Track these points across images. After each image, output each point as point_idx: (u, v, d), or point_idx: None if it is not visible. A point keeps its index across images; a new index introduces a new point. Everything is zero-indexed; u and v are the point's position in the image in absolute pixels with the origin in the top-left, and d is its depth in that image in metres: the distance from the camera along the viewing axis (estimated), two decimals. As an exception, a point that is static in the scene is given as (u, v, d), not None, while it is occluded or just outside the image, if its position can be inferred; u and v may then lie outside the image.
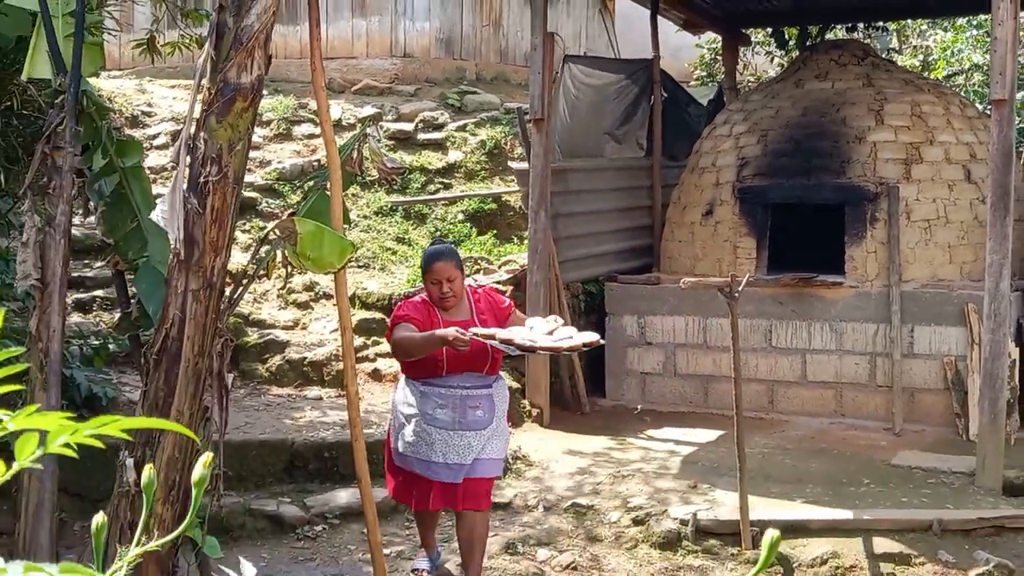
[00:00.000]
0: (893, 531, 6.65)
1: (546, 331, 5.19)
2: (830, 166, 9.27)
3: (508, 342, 5.07)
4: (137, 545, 1.36)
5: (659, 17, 11.22)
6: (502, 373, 6.11)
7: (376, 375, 9.18)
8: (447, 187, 11.83)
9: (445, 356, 5.43)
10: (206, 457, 1.41)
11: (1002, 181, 7.30)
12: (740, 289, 6.76)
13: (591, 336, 5.27)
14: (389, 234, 11.03)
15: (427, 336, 5.25)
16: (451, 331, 5.08)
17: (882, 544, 6.56)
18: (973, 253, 8.44)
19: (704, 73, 16.83)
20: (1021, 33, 8.00)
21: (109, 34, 6.21)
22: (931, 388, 8.58)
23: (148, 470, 1.44)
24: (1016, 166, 8.11)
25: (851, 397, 8.86)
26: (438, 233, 11.00)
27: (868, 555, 6.50)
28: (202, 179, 4.20)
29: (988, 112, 8.37)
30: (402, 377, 5.85)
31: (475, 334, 5.08)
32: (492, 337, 5.09)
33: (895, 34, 16.91)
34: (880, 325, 8.69)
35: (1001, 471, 7.28)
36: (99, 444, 1.19)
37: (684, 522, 6.71)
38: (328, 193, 4.78)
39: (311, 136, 12.19)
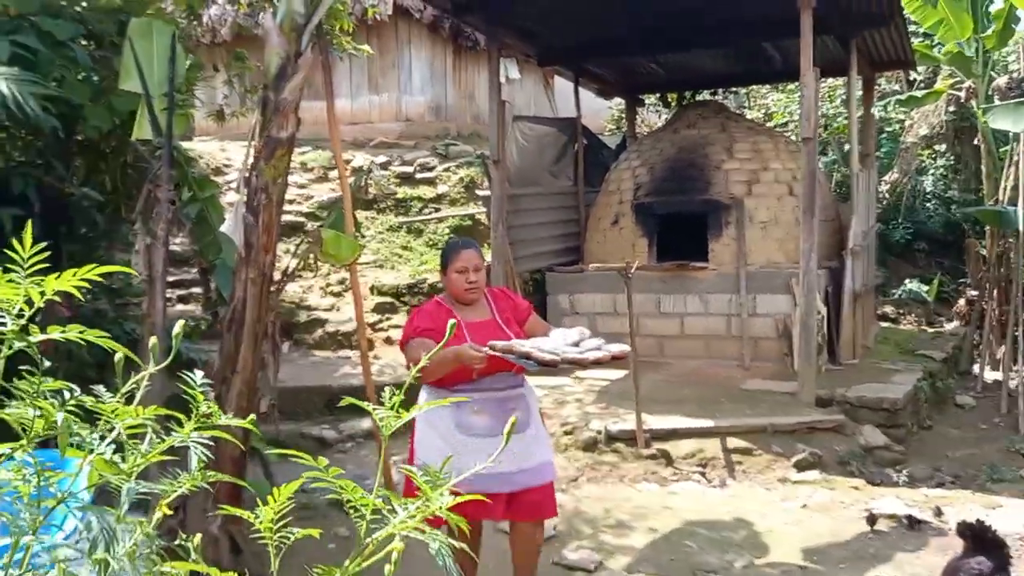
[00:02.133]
0: (740, 433, 6.74)
1: (571, 342, 3.44)
2: (697, 187, 9.30)
3: (527, 356, 3.28)
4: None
5: (580, 88, 11.29)
6: None
7: (389, 341, 9.26)
8: (437, 210, 11.89)
9: None
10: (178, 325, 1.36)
11: (809, 195, 7.46)
12: (632, 273, 6.86)
13: (620, 347, 3.44)
14: (397, 244, 11.09)
15: (440, 357, 3.14)
16: (465, 348, 3.34)
17: (733, 442, 6.66)
18: (794, 244, 8.60)
19: (614, 126, 16.92)
20: (821, 92, 8.15)
21: (196, 110, 6.24)
22: (768, 337, 8.68)
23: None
24: (819, 185, 8.27)
25: (715, 345, 8.88)
26: (434, 243, 11.08)
27: (723, 449, 6.61)
28: (255, 203, 4.28)
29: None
30: (423, 390, 3.81)
31: (493, 347, 3.33)
32: (510, 351, 3.31)
33: (746, 95, 17.06)
34: (733, 295, 8.77)
35: (814, 391, 7.40)
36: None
37: (599, 432, 6.82)
38: (343, 211, 4.89)
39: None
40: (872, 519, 5.27)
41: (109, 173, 5.99)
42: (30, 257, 0.79)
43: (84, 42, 5.50)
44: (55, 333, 0.81)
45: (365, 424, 7.08)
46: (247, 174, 4.37)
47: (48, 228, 5.81)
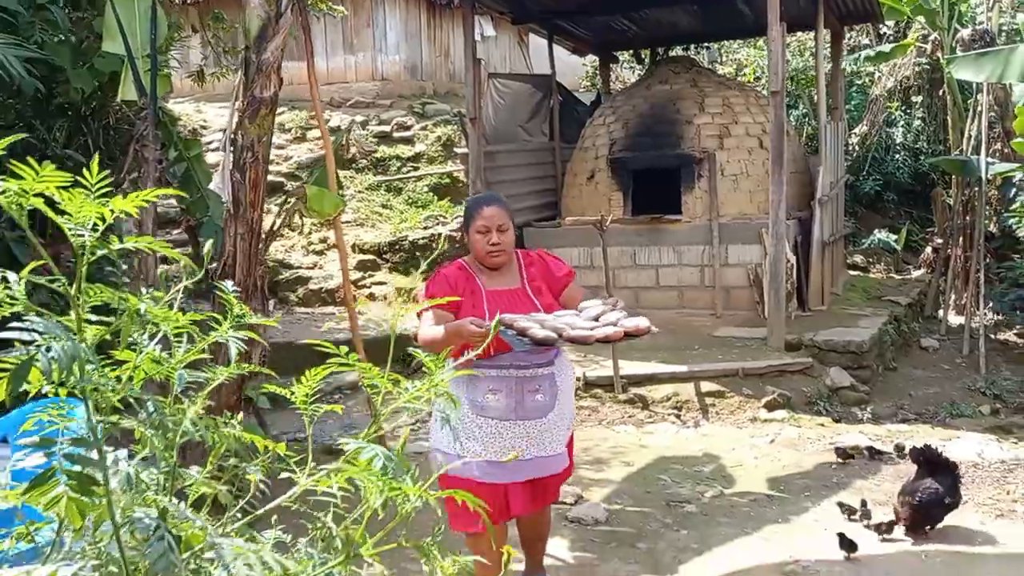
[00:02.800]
0: (713, 377, 6.98)
1: (593, 315, 3.03)
2: (670, 142, 9.42)
3: (522, 333, 2.86)
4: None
5: (555, 45, 11.35)
6: None
7: (372, 297, 9.45)
8: (415, 169, 11.98)
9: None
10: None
11: (778, 146, 7.65)
12: (607, 226, 7.06)
13: (639, 322, 2.96)
14: (376, 202, 11.20)
15: (444, 335, 3.01)
16: (465, 323, 2.94)
17: (706, 386, 6.92)
18: (765, 196, 8.73)
19: (588, 83, 17.00)
20: (791, 46, 8.23)
21: (172, 70, 6.30)
22: (740, 286, 8.87)
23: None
24: (789, 138, 8.46)
25: (688, 295, 9.05)
26: (411, 201, 11.19)
27: (697, 393, 6.87)
28: (242, 161, 4.42)
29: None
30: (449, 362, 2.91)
31: (502, 322, 2.81)
32: (509, 326, 2.86)
33: (718, 50, 17.15)
34: (706, 246, 8.95)
35: (783, 336, 7.66)
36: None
37: (579, 378, 7.03)
38: (326, 169, 5.03)
39: (319, 137, 12.24)
40: (839, 452, 5.56)
41: (91, 135, 6.07)
42: (96, 183, 0.97)
43: (62, 5, 5.56)
44: (129, 243, 0.99)
45: (350, 376, 7.27)
46: (232, 134, 4.50)
47: (34, 190, 5.91)
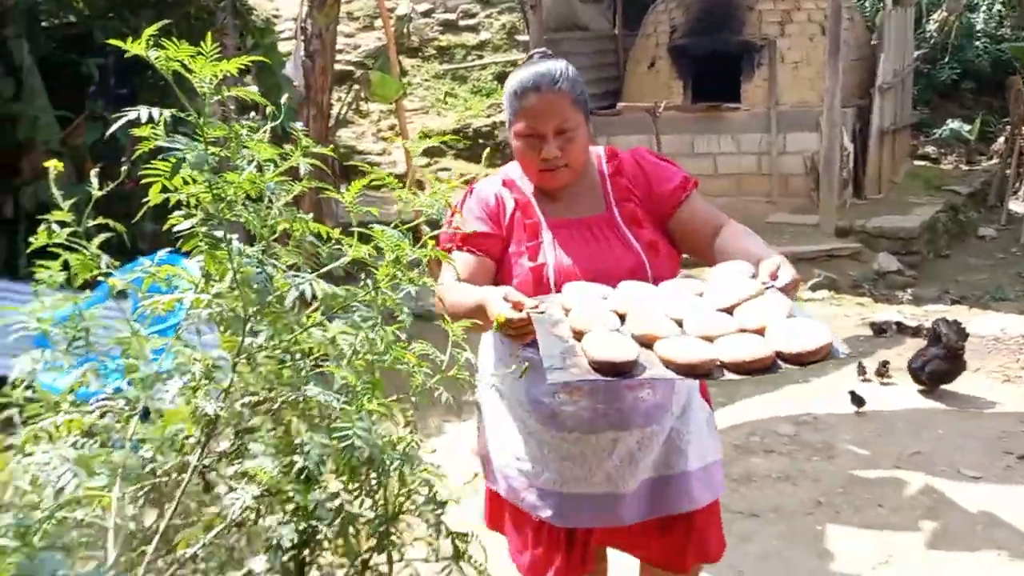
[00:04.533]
0: (759, 259, 7.35)
1: (726, 301, 1.60)
2: (731, 28, 9.46)
3: (552, 331, 1.54)
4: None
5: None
6: None
7: (438, 179, 9.95)
8: (480, 57, 12.25)
9: (552, 280, 1.82)
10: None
11: (835, 32, 7.75)
12: (660, 112, 7.36)
13: (818, 338, 1.45)
14: (442, 90, 11.58)
15: (466, 307, 1.70)
16: (493, 294, 1.64)
17: (752, 267, 7.31)
18: (824, 83, 8.83)
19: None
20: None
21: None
22: (797, 173, 9.08)
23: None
24: (852, 24, 8.47)
25: (746, 182, 9.28)
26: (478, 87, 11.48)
27: (742, 274, 7.27)
28: (311, 47, 4.88)
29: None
30: (488, 334, 1.99)
31: (540, 301, 1.63)
32: (542, 316, 1.57)
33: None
34: (764, 134, 9.13)
35: (834, 222, 7.93)
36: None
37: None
38: (389, 56, 5.45)
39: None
40: (873, 326, 5.93)
41: (176, 25, 6.57)
42: (211, 51, 1.44)
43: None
44: (234, 92, 1.46)
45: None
46: (302, 22, 4.95)
47: (124, 76, 6.51)
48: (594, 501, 1.88)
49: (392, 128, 10.67)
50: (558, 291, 1.75)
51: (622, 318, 1.61)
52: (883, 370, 4.82)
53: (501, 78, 11.75)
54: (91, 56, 5.89)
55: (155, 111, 1.44)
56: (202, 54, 1.44)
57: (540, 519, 1.90)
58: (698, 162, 9.44)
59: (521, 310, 1.59)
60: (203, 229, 1.36)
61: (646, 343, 1.53)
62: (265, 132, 1.60)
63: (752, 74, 9.32)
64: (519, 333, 1.58)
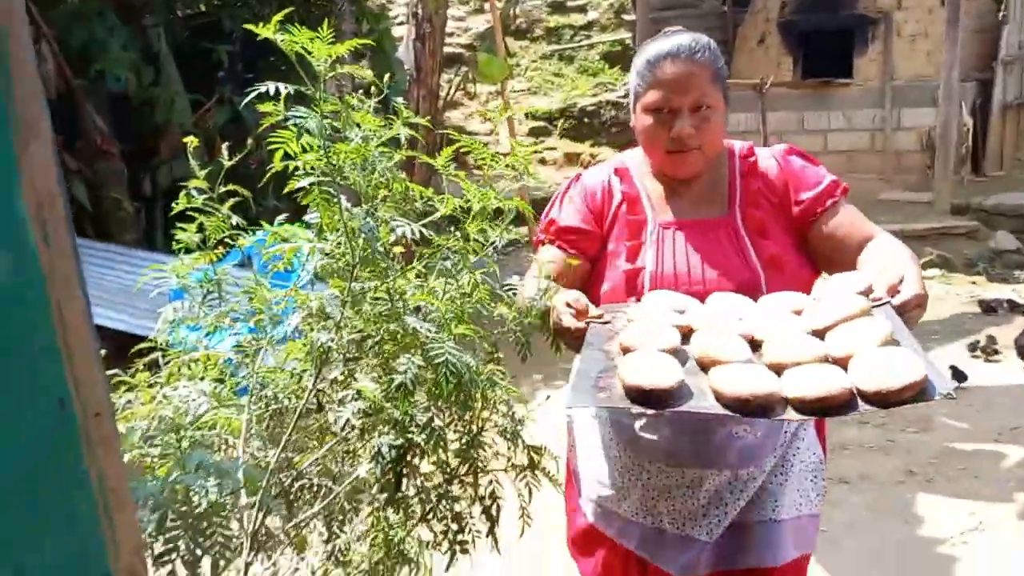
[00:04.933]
0: (867, 237, 7.25)
1: (820, 324, 1.31)
2: (844, 2, 9.32)
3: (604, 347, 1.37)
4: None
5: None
6: None
7: (543, 161, 10.13)
8: (587, 37, 12.35)
9: (647, 287, 1.58)
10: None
11: (954, 3, 7.51)
12: (767, 89, 7.32)
13: (909, 374, 1.14)
14: (549, 71, 11.74)
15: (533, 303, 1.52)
16: (562, 296, 1.47)
17: (859, 245, 7.21)
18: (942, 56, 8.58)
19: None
20: None
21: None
22: (911, 151, 8.89)
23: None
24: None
25: (857, 159, 9.16)
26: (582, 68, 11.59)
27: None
28: (422, 30, 5.13)
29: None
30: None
31: (608, 310, 1.49)
32: (599, 332, 1.41)
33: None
34: (877, 110, 8.98)
35: (949, 199, 7.73)
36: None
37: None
38: (495, 38, 5.65)
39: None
40: (982, 304, 5.81)
41: (297, 10, 6.97)
42: (326, 35, 1.67)
43: None
44: (344, 69, 1.70)
45: (523, 229, 8.07)
46: (414, 7, 5.20)
47: (250, 62, 6.96)
48: (672, 541, 1.62)
49: (498, 108, 10.90)
50: None
51: (688, 335, 1.39)
52: (989, 347, 4.75)
53: (608, 57, 11.83)
54: (221, 43, 6.33)
55: (281, 85, 1.68)
56: (319, 37, 1.67)
57: (617, 544, 1.70)
58: (808, 139, 9.34)
59: (584, 318, 1.43)
60: (319, 187, 1.59)
61: (705, 367, 1.30)
62: (369, 106, 1.83)
63: (865, 49, 9.12)
64: (578, 344, 1.40)
